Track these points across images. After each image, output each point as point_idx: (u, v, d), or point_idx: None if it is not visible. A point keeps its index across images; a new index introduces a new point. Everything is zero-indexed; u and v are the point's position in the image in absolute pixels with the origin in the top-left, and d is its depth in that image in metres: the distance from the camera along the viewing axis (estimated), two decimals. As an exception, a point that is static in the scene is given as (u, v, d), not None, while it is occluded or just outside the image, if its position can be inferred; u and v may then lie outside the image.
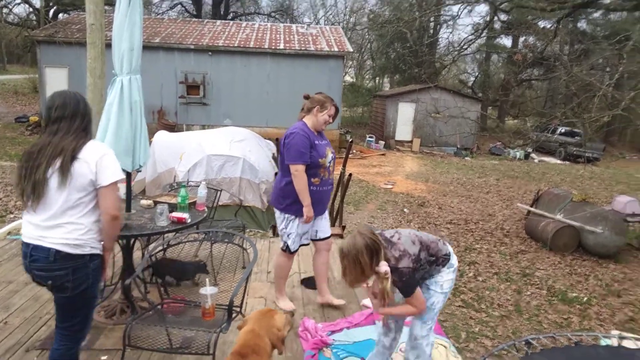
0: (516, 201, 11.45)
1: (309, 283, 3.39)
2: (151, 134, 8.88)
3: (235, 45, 16.48)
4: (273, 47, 16.50)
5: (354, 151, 18.35)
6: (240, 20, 27.26)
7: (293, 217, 2.98)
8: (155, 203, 2.97)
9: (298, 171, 2.87)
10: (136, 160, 2.91)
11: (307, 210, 2.90)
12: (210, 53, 16.38)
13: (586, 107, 7.86)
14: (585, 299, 6.40)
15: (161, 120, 16.03)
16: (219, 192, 4.40)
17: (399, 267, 2.01)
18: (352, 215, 9.47)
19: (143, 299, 2.76)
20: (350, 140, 5.91)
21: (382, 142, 20.83)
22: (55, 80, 15.34)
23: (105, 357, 2.54)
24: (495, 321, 5.68)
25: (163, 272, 2.98)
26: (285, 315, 1.88)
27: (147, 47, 15.83)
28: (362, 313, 2.90)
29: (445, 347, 2.57)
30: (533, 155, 22.05)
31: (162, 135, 8.73)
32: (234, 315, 2.23)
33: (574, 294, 6.51)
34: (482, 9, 30.39)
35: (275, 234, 4.70)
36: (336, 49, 16.57)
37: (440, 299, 2.44)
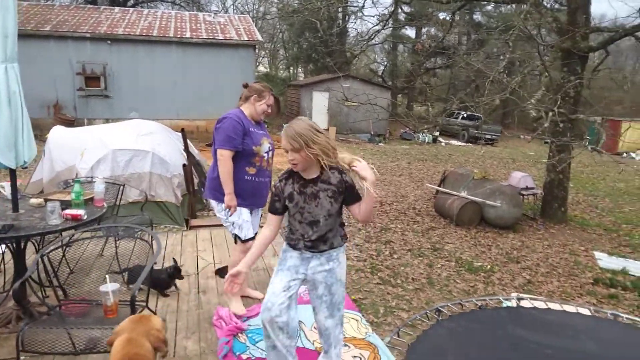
0: (426, 182, 12.09)
1: (223, 273, 3.30)
2: (47, 129, 8.11)
3: (137, 33, 15.55)
4: (179, 36, 15.79)
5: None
6: (142, 7, 25.71)
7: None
8: (46, 201, 2.70)
9: (223, 156, 2.76)
10: (20, 156, 2.61)
11: (228, 198, 2.78)
12: (109, 42, 15.29)
13: (482, 93, 8.49)
14: (489, 267, 6.94)
15: (58, 115, 14.71)
16: (121, 187, 4.13)
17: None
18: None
19: (41, 303, 2.50)
20: (182, 129, 5.79)
21: (298, 132, 20.93)
22: None
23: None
24: (410, 294, 5.96)
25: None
26: (159, 317, 1.73)
27: (35, 36, 14.53)
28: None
29: (356, 320, 2.63)
30: (440, 139, 23.44)
31: (58, 131, 7.99)
32: (139, 309, 2.09)
33: (479, 263, 7.03)
34: (386, 0, 31.53)
35: (189, 227, 4.52)
36: (246, 38, 16.27)
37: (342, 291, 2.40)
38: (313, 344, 2.38)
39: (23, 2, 17.96)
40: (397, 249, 7.49)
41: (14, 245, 2.70)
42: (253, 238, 2.92)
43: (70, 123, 13.53)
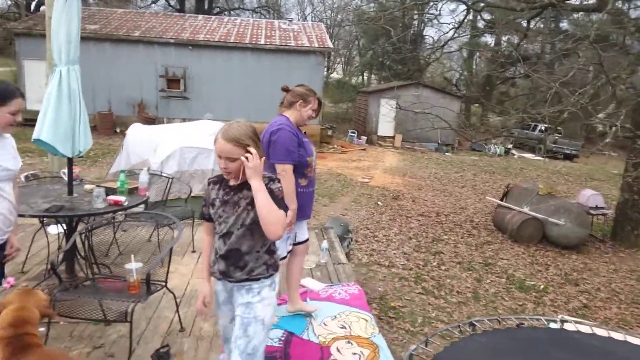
0: (490, 195, 11.68)
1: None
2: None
3: (216, 40, 16.51)
4: (254, 42, 16.55)
5: (335, 146, 18.49)
6: (225, 15, 27.21)
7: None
8: (97, 187, 3.07)
9: (286, 171, 2.56)
10: (76, 146, 3.00)
11: (293, 215, 2.61)
12: (190, 47, 16.39)
13: (564, 104, 8.04)
14: (542, 286, 6.62)
15: (141, 114, 16.01)
16: (169, 180, 4.53)
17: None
18: (326, 207, 9.61)
19: (86, 279, 2.85)
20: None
21: (364, 138, 21.00)
22: (34, 73, 15.24)
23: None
24: (452, 307, 5.86)
25: None
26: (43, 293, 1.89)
27: (126, 41, 15.94)
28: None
29: (366, 320, 2.71)
30: (513, 151, 22.38)
31: (136, 128, 8.77)
32: (158, 288, 2.35)
33: (532, 282, 6.72)
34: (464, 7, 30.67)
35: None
36: (317, 45, 16.68)
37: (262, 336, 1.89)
38: (318, 338, 2.51)
39: (118, 9, 19.79)
40: (447, 260, 7.36)
41: (67, 223, 3.10)
42: (285, 257, 2.80)
43: (152, 121, 14.68)
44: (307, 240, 2.92)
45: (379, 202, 10.52)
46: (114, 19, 17.63)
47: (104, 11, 19.20)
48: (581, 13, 27.95)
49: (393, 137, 21.11)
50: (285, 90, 2.79)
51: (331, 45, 17.84)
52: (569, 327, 4.69)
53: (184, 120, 15.76)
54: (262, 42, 16.70)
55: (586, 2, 9.40)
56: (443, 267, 7.07)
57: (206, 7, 26.93)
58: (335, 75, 44.78)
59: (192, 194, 7.69)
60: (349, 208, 9.88)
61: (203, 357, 2.32)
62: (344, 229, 6.09)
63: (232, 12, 29.77)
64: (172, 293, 2.58)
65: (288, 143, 2.60)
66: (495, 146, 21.81)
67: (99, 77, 15.37)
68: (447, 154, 20.19)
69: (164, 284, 2.46)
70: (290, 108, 2.71)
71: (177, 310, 2.60)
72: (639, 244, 8.57)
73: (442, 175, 14.71)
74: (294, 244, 2.85)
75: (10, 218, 2.09)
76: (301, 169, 2.70)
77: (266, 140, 2.65)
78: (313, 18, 40.72)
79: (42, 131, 2.81)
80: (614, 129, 5.41)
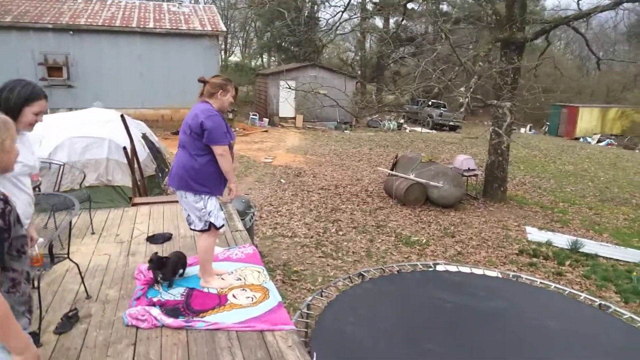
0: (382, 166, 12.66)
1: (153, 240, 3.74)
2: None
3: (100, 24, 15.59)
4: (142, 26, 15.89)
5: (237, 129, 18.55)
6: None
7: (208, 195, 2.95)
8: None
9: (226, 151, 2.84)
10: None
11: (236, 185, 2.99)
12: (71, 32, 15.30)
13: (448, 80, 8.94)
14: (425, 240, 7.55)
15: (20, 106, 14.72)
16: (61, 167, 4.53)
17: None
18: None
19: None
20: (121, 114, 6.06)
21: (266, 120, 21.26)
22: None
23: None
24: (349, 265, 6.52)
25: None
26: None
27: (-6, 26, 14.43)
28: (196, 256, 3.34)
29: (259, 272, 3.11)
30: (405, 126, 24.09)
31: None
32: (61, 259, 2.52)
33: (416, 238, 7.63)
34: (355, -11, 31.88)
35: (131, 204, 4.92)
36: (209, 28, 16.47)
37: None
38: (216, 289, 2.86)
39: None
40: (344, 226, 8.03)
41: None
42: (223, 225, 3.08)
43: (33, 113, 13.60)
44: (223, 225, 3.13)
45: (282, 180, 10.96)
46: (-23, 2, 15.82)
47: (-38, -8, 17.07)
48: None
49: (294, 118, 21.63)
50: (202, 81, 3.00)
51: (224, 28, 17.71)
52: (439, 268, 5.54)
53: (70, 109, 14.78)
54: (151, 25, 16.09)
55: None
56: (341, 233, 7.72)
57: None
58: (234, 58, 44.15)
59: (87, 184, 7.51)
60: (253, 187, 10.20)
61: (110, 317, 2.55)
62: (246, 205, 6.41)
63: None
64: (76, 263, 2.74)
65: (223, 126, 2.88)
66: (389, 122, 23.32)
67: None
68: (345, 131, 21.19)
69: (66, 255, 2.63)
70: (211, 98, 2.94)
71: (82, 281, 2.78)
72: (505, 199, 9.99)
73: (340, 151, 15.54)
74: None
75: (30, 210, 2.15)
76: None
77: (197, 125, 2.85)
78: (205, 0, 39.54)
79: None
80: (466, 100, 6.33)
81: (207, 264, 3.05)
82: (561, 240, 7.86)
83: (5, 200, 1.40)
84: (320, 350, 3.55)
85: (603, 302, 4.81)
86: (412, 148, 16.74)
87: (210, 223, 2.96)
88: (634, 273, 6.77)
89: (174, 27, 16.22)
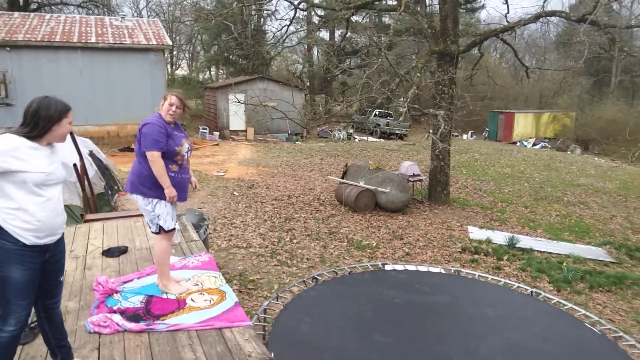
0: (334, 175, 13.01)
1: (109, 253, 3.81)
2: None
3: (39, 39, 15.10)
4: (84, 41, 15.54)
5: (187, 144, 18.41)
6: (45, 12, 24.58)
7: (157, 199, 3.13)
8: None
9: (154, 156, 3.04)
10: None
11: (169, 191, 3.08)
12: (8, 48, 14.74)
13: (391, 91, 9.40)
14: (375, 244, 7.91)
15: (-48, 126, 13.97)
16: None
17: None
18: (182, 202, 9.79)
19: None
20: (71, 132, 6.19)
21: (217, 133, 21.19)
22: None
23: None
24: (303, 272, 6.73)
25: None
26: None
27: None
28: (153, 265, 3.46)
29: (215, 277, 3.28)
30: (355, 135, 24.73)
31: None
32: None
33: (367, 242, 7.98)
34: (304, 5, 32.50)
35: (83, 221, 4.92)
36: (154, 42, 16.33)
37: None
38: (175, 295, 3.01)
39: None
40: (298, 235, 8.25)
41: None
42: (174, 229, 3.26)
43: (-32, 133, 12.96)
44: (173, 229, 3.31)
45: (235, 192, 11.05)
46: None
47: None
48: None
49: (245, 131, 21.70)
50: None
51: (170, 42, 17.61)
52: (387, 267, 5.89)
53: (9, 128, 14.18)
54: (93, 40, 15.76)
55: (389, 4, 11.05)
56: (295, 241, 7.94)
57: (21, 3, 23.97)
58: (181, 72, 43.58)
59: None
60: (206, 201, 10.23)
61: (72, 326, 2.64)
62: (199, 217, 6.51)
63: (53, 8, 26.98)
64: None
65: (155, 134, 3.09)
66: (339, 132, 23.88)
67: None
68: (297, 142, 21.50)
69: None
70: (161, 108, 3.24)
71: (40, 296, 2.84)
72: (448, 201, 10.57)
73: (292, 162, 15.79)
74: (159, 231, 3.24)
75: (57, 220, 2.30)
76: (172, 157, 3.19)
77: (138, 132, 3.16)
78: (148, 13, 38.91)
79: None
80: (404, 109, 6.79)
81: (163, 267, 3.20)
82: (500, 237, 8.46)
83: None
84: (278, 350, 3.76)
85: (534, 290, 5.31)
86: (361, 157, 17.26)
87: (160, 226, 3.16)
88: (564, 264, 7.41)
89: (118, 42, 15.96)
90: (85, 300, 2.95)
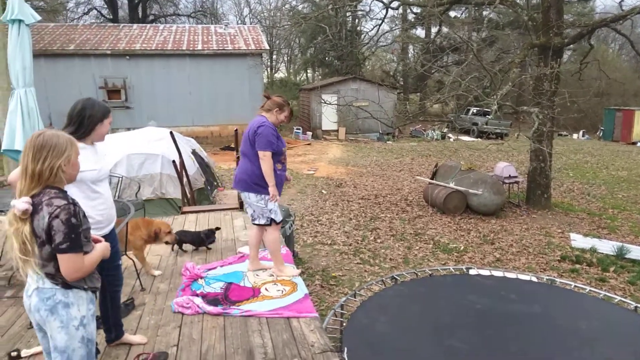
0: (424, 176, 12.73)
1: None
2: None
3: (153, 48, 16.74)
4: (191, 49, 16.91)
5: (281, 144, 19.19)
6: (160, 22, 27.13)
7: (269, 195, 3.41)
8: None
9: (266, 156, 3.29)
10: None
11: (273, 189, 3.36)
12: (128, 57, 16.53)
13: (493, 88, 9.01)
14: (463, 247, 7.61)
15: (84, 127, 16.02)
16: (120, 178, 5.05)
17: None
18: (272, 200, 10.24)
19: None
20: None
21: (309, 133, 21.78)
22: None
23: None
24: (385, 271, 6.71)
25: (183, 241, 3.93)
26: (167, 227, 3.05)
27: (61, 55, 15.90)
28: (235, 256, 3.71)
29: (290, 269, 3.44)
30: (449, 134, 23.88)
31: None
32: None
33: (455, 245, 7.70)
34: (396, 4, 32.13)
35: (181, 213, 5.39)
36: (253, 47, 17.25)
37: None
38: (252, 283, 3.20)
39: (49, 23, 19.49)
40: (382, 234, 8.22)
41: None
42: (282, 220, 3.63)
43: (95, 133, 14.78)
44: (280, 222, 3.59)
45: (323, 191, 11.31)
46: (46, 34, 17.43)
47: (34, 26, 18.87)
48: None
49: (337, 131, 22.02)
50: (267, 97, 3.54)
51: (267, 47, 18.46)
52: (472, 272, 5.66)
53: (128, 129, 15.91)
54: (200, 47, 17.08)
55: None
56: (379, 240, 7.93)
57: (140, 15, 26.73)
58: (280, 75, 45.44)
59: (144, 198, 8.18)
60: (295, 198, 10.60)
61: (160, 305, 2.95)
62: (285, 213, 6.78)
63: (167, 19, 29.67)
64: (132, 259, 3.19)
65: (269, 135, 3.37)
66: (433, 131, 23.23)
67: (37, 93, 15.26)
68: (388, 142, 21.33)
69: (124, 252, 3.06)
70: (269, 112, 3.45)
71: (138, 276, 3.21)
72: (548, 206, 9.81)
73: (382, 162, 15.72)
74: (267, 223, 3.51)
75: (109, 212, 2.51)
76: (277, 156, 3.48)
77: (252, 133, 3.37)
78: (251, 19, 41.10)
79: (13, 143, 3.37)
80: (495, 107, 6.40)
81: (276, 253, 3.48)
82: (606, 246, 7.68)
83: (75, 204, 1.81)
84: (351, 345, 3.81)
85: (638, 305, 4.75)
86: (455, 157, 16.64)
87: (272, 219, 3.41)
88: (684, 279, 6.53)
89: (221, 48, 17.13)
90: (174, 283, 3.26)
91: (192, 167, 8.84)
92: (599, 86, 17.12)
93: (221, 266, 3.50)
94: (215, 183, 10.49)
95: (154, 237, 3.49)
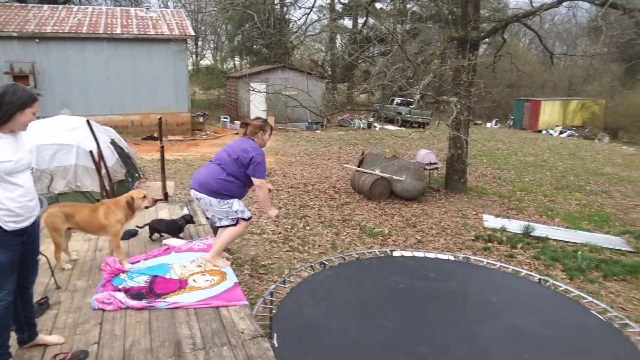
0: (351, 164, 13.04)
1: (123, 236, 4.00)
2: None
3: (66, 31, 15.54)
4: (109, 32, 15.91)
5: (208, 132, 18.70)
6: (74, 4, 25.18)
7: (232, 199, 3.52)
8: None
9: (263, 184, 3.47)
10: None
11: (273, 212, 3.61)
12: (37, 40, 15.23)
13: (416, 79, 9.33)
14: (387, 231, 7.94)
15: (-14, 116, 14.58)
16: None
17: None
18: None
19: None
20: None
21: (238, 122, 21.42)
22: None
23: None
24: (314, 257, 6.83)
25: (158, 230, 3.90)
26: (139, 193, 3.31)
27: (-43, 36, 14.27)
28: (160, 248, 3.62)
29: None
30: (375, 124, 24.61)
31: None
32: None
33: (380, 229, 8.02)
34: (323, -9, 32.33)
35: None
36: (177, 33, 16.58)
37: None
38: (178, 275, 3.15)
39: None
40: (311, 222, 8.36)
41: None
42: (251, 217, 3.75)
43: None
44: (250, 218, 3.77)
45: (252, 180, 11.22)
46: (-63, 11, 15.58)
47: None
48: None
49: (266, 119, 21.86)
50: (245, 123, 3.69)
51: (192, 33, 17.84)
52: (396, 254, 5.93)
53: (38, 118, 14.71)
54: (119, 31, 16.11)
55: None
56: (308, 228, 8.05)
57: (50, -5, 24.58)
58: (206, 62, 44.06)
59: (57, 191, 7.65)
60: (223, 188, 10.41)
61: (78, 303, 2.82)
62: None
63: (81, 1, 27.62)
64: (45, 256, 2.99)
65: (264, 164, 3.57)
66: (360, 120, 23.80)
67: None
68: (317, 131, 21.55)
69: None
70: (254, 136, 3.57)
71: (52, 274, 3.02)
72: (464, 190, 10.48)
73: (311, 150, 15.88)
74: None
75: (30, 204, 2.36)
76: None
77: (247, 157, 3.47)
78: (175, 3, 39.33)
79: None
80: (417, 96, 6.75)
81: (223, 245, 3.60)
82: (515, 226, 8.37)
83: None
84: (281, 330, 3.88)
85: (542, 278, 5.27)
86: (380, 145, 17.21)
87: (239, 218, 3.52)
88: (580, 252, 7.30)
89: (142, 33, 16.28)
90: (94, 279, 3.12)
91: (111, 158, 8.39)
92: (510, 78, 18.47)
93: (145, 259, 3.40)
94: (137, 175, 10.04)
95: (131, 210, 3.41)
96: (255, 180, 3.38)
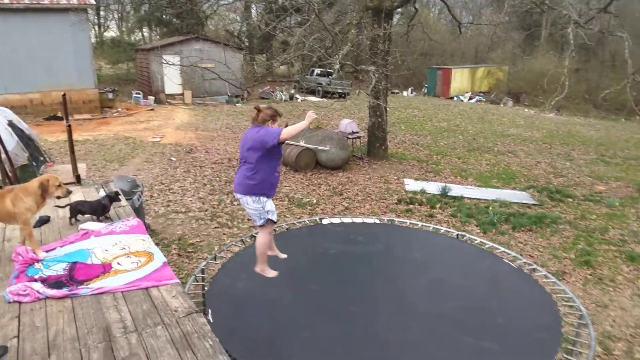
0: (275, 136, 12.93)
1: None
2: None
3: (-59, -1, 13.59)
4: (-6, 1, 14.16)
5: (120, 109, 17.58)
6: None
7: (266, 197, 3.58)
8: None
9: (285, 131, 3.42)
10: None
11: (311, 114, 3.61)
12: None
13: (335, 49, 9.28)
14: (315, 201, 8.07)
15: None
16: None
17: None
18: (116, 171, 9.47)
19: None
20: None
21: (152, 98, 20.30)
22: None
23: None
24: (244, 232, 6.80)
25: (80, 211, 3.73)
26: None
27: None
28: (77, 233, 3.39)
29: (144, 240, 3.28)
30: (297, 95, 24.52)
31: None
32: None
33: (308, 200, 8.13)
34: (234, -43, 30.99)
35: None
36: (75, 2, 15.13)
37: None
38: (100, 260, 2.98)
39: None
40: (238, 197, 8.25)
41: None
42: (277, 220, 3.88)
43: None
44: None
45: (172, 158, 10.79)
46: None
47: None
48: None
49: (182, 94, 20.93)
50: (257, 110, 3.63)
51: (93, 1, 16.40)
52: (325, 222, 6.05)
53: None
54: (7, 1, 14.39)
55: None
56: (235, 203, 7.91)
57: None
58: (110, 34, 40.83)
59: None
60: (141, 168, 9.93)
61: None
62: (132, 184, 6.34)
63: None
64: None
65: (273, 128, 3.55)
66: (281, 92, 23.57)
67: None
68: (237, 104, 21.05)
69: None
70: (264, 124, 3.56)
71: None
72: (386, 156, 10.88)
73: (233, 125, 15.52)
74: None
75: None
76: (278, 161, 3.72)
77: (256, 138, 3.46)
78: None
79: None
80: (337, 66, 6.83)
81: (263, 255, 3.89)
82: (433, 187, 8.88)
83: None
84: (215, 306, 3.86)
85: (460, 233, 5.68)
86: (303, 117, 17.18)
87: (265, 219, 3.63)
88: (491, 208, 7.94)
89: (34, 2, 14.66)
90: (4, 271, 2.86)
91: (10, 141, 7.61)
92: (423, 47, 19.16)
93: (61, 246, 3.17)
94: (42, 158, 9.23)
95: (43, 197, 3.14)
96: (280, 136, 3.38)
